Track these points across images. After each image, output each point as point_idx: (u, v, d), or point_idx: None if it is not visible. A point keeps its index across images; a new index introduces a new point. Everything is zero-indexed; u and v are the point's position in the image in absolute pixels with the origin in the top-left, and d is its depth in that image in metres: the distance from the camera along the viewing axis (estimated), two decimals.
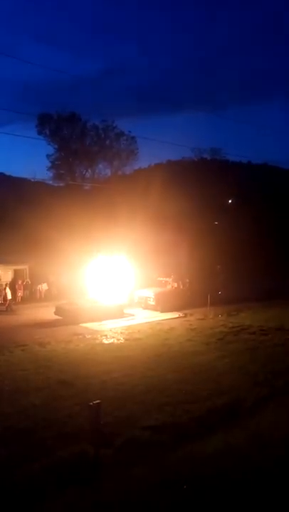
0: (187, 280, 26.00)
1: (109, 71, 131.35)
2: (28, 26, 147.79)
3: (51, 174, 48.11)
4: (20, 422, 8.44)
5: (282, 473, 5.91)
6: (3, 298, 25.78)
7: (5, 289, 25.73)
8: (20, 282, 28.82)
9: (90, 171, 48.90)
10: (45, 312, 22.19)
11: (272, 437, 7.23)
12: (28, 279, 30.24)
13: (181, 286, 25.60)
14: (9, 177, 46.79)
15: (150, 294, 24.42)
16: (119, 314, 21.87)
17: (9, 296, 25.05)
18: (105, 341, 16.66)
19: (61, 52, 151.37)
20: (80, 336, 17.27)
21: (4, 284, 26.82)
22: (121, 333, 18.04)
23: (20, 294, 28.37)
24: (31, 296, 29.44)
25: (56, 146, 47.53)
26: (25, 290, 29.37)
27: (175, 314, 22.64)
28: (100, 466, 6.53)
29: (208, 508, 5.12)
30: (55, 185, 50.38)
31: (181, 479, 5.79)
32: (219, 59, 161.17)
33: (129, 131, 47.37)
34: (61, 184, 49.55)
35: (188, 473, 6.01)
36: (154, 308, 23.76)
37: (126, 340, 16.76)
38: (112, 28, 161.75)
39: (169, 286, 25.46)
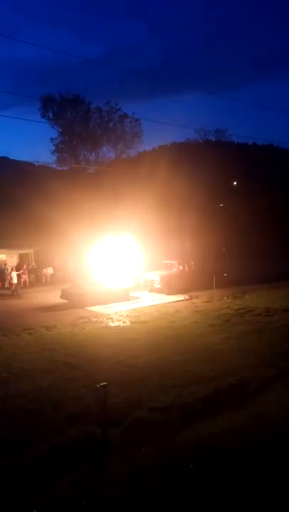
0: (192, 263, 25.96)
1: (112, 53, 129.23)
2: (30, 7, 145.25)
3: (55, 158, 47.87)
4: (29, 404, 8.55)
5: (286, 451, 6.00)
6: (9, 282, 25.93)
7: (10, 273, 25.86)
8: (25, 266, 28.94)
9: (94, 154, 48.58)
10: (51, 296, 22.32)
11: (276, 417, 7.28)
12: (33, 263, 30.35)
13: (187, 269, 25.58)
14: (13, 161, 46.60)
15: (156, 276, 24.45)
16: (125, 297, 21.95)
17: (15, 281, 25.19)
18: (111, 324, 16.75)
19: (64, 33, 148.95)
20: (86, 320, 17.38)
21: (10, 268, 26.94)
22: (127, 316, 18.11)
23: (25, 278, 28.52)
24: (37, 281, 29.60)
25: (60, 130, 47.15)
26: (31, 274, 29.50)
27: (181, 297, 22.68)
28: (108, 446, 6.63)
29: (213, 486, 5.20)
30: (59, 168, 50.18)
31: (188, 458, 5.87)
32: (224, 38, 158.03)
33: (133, 113, 46.88)
34: (65, 168, 49.32)
35: (195, 453, 6.09)
36: (160, 291, 23.82)
37: (132, 323, 16.83)
38: (115, 9, 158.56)
39: (174, 269, 25.46)
